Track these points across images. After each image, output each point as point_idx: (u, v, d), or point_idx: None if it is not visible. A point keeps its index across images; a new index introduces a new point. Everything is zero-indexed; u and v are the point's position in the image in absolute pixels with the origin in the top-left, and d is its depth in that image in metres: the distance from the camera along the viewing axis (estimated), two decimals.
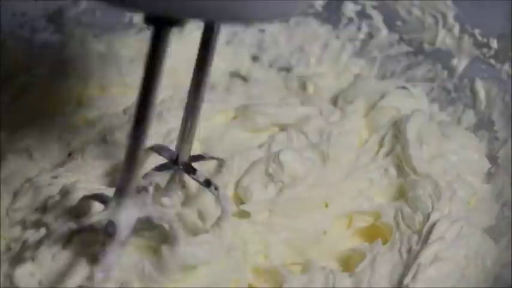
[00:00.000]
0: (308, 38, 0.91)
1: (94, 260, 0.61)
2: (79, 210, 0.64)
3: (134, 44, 0.89)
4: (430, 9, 0.84)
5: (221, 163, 0.73)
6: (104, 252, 0.58)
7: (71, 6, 0.85)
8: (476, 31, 0.81)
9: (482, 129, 0.81)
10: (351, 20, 0.90)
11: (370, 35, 0.89)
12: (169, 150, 0.68)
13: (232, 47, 0.92)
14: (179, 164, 0.67)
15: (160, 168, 0.67)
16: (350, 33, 0.90)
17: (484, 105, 0.81)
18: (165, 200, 0.69)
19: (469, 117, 0.82)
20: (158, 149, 0.68)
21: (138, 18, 0.89)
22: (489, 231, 0.70)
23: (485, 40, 0.81)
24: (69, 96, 0.83)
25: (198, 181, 0.67)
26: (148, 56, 0.48)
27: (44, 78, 0.85)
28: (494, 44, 0.80)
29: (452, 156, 0.77)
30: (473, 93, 0.83)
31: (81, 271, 0.62)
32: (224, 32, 0.90)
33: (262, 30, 0.92)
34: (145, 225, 0.63)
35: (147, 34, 0.83)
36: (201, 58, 0.59)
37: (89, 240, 0.63)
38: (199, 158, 0.69)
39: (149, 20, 0.46)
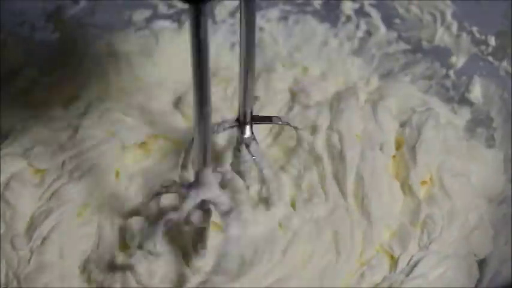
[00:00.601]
0: (308, 35, 0.90)
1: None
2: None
3: (134, 41, 0.88)
4: (428, 7, 0.84)
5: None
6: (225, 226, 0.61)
7: (69, 5, 0.84)
8: (475, 29, 0.82)
9: (480, 127, 0.80)
10: (349, 18, 0.89)
11: (369, 33, 0.89)
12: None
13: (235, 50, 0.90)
14: (242, 123, 0.69)
15: (223, 125, 0.69)
16: (348, 32, 0.90)
17: (481, 102, 0.81)
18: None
19: (467, 114, 0.82)
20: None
21: (136, 16, 0.88)
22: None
23: (483, 37, 0.81)
24: (69, 93, 0.83)
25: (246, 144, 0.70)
26: (192, 33, 0.48)
27: (43, 76, 0.84)
28: (492, 41, 0.81)
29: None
30: (472, 90, 0.82)
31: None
32: (228, 36, 0.90)
33: (262, 29, 0.90)
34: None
35: (145, 32, 0.87)
36: (246, 21, 0.59)
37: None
38: (264, 119, 0.72)
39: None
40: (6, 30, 0.82)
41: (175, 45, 0.89)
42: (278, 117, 0.75)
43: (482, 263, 0.72)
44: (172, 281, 0.67)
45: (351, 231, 0.73)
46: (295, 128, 0.76)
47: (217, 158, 0.75)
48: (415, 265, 0.70)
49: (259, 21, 0.90)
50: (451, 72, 0.84)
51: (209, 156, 0.58)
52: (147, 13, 0.89)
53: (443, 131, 0.80)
